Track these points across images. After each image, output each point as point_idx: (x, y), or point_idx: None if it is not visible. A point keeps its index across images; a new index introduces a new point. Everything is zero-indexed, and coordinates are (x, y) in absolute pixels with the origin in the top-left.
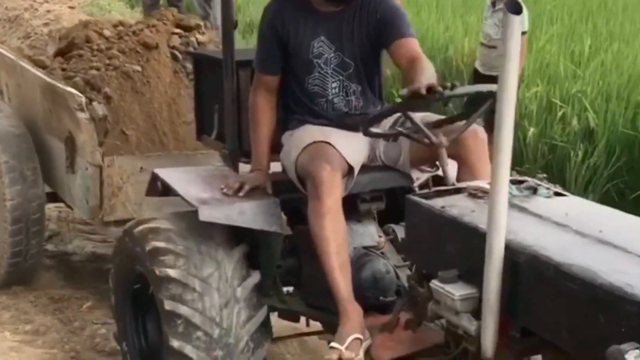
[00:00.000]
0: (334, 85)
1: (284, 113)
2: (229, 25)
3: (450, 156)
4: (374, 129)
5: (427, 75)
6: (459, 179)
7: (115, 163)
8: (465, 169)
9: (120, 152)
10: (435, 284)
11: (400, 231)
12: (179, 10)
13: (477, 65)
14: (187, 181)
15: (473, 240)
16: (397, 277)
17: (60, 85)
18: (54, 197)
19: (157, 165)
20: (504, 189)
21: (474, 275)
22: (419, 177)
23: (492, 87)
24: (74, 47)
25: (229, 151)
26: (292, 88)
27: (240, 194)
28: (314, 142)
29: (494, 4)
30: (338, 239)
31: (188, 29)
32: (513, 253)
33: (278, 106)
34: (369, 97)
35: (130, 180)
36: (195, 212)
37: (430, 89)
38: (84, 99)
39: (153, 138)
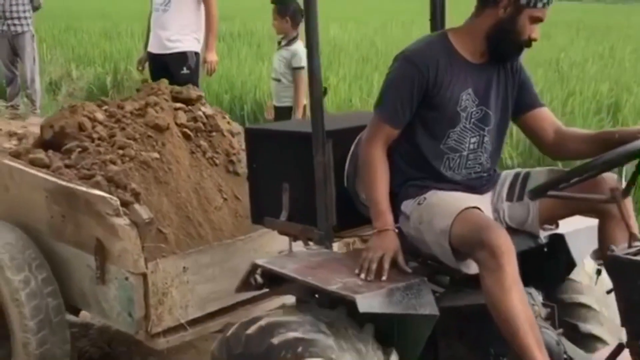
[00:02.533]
0: (472, 140)
1: (396, 177)
2: (316, 92)
3: (591, 211)
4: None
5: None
6: (608, 234)
7: (159, 267)
8: (614, 223)
9: (162, 255)
10: None
11: (535, 294)
12: None
13: (273, 99)
14: (304, 268)
15: None
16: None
17: (83, 189)
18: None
19: (200, 260)
20: None
21: None
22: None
23: None
24: (67, 137)
25: (324, 232)
26: (416, 143)
27: (384, 277)
28: (466, 208)
29: (279, 43)
30: (528, 312)
31: (189, 101)
32: None
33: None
34: (495, 158)
35: (174, 283)
36: (317, 301)
37: None
38: (119, 203)
39: (190, 232)
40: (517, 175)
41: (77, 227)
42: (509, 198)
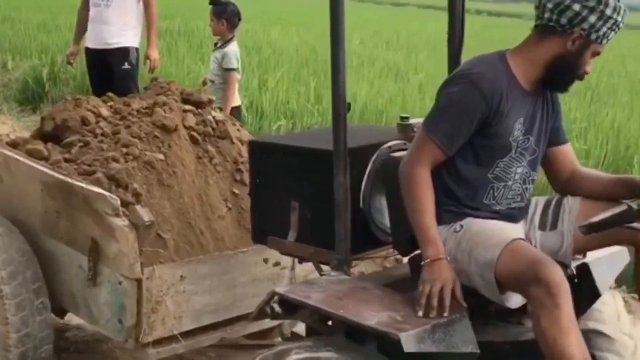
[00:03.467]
0: (518, 170)
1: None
2: (340, 108)
3: (627, 241)
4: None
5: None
6: None
7: (155, 274)
8: None
9: (160, 261)
10: None
11: None
12: None
13: None
14: (331, 299)
15: None
16: None
17: (82, 185)
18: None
19: (199, 270)
20: None
21: None
22: None
23: None
24: (68, 131)
25: (342, 257)
26: (458, 169)
27: (445, 313)
28: (514, 240)
29: (215, 44)
30: (586, 354)
31: (200, 104)
32: None
33: None
34: (532, 189)
35: (170, 292)
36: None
37: None
38: (119, 202)
39: (190, 239)
40: (548, 202)
41: (72, 224)
42: (542, 227)
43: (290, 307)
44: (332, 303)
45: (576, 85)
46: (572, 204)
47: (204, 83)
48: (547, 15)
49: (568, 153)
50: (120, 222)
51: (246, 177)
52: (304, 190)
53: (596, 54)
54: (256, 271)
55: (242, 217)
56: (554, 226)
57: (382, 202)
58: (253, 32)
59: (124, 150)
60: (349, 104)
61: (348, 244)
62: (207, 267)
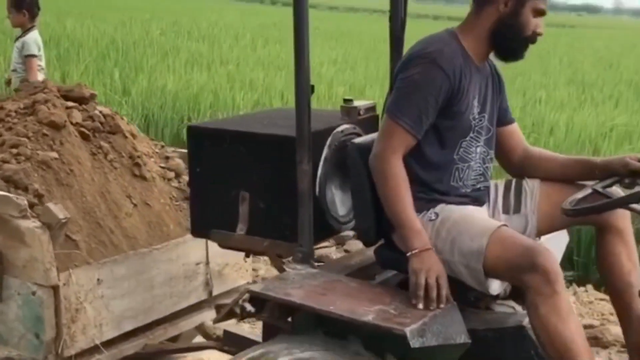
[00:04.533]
0: (477, 150)
1: None
2: (304, 91)
3: (590, 222)
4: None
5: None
6: (606, 246)
7: (72, 279)
8: (615, 237)
9: (75, 264)
10: None
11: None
12: None
13: None
14: (313, 295)
15: None
16: None
17: None
18: None
19: (115, 271)
20: None
21: None
22: None
23: None
24: None
25: (306, 249)
26: (423, 152)
27: (442, 304)
28: (499, 227)
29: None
30: (585, 341)
31: (82, 100)
32: None
33: None
34: (491, 168)
35: (88, 297)
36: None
37: None
38: (26, 202)
39: (102, 239)
40: (508, 186)
41: None
42: (505, 210)
43: (259, 306)
44: (318, 300)
45: None
46: (532, 187)
47: (8, 82)
48: None
49: (516, 132)
50: (31, 224)
51: (145, 171)
52: (256, 179)
53: (540, 12)
54: (171, 268)
55: (149, 214)
56: (517, 209)
57: (334, 190)
58: (46, 25)
59: (14, 151)
60: (313, 87)
61: (312, 235)
62: (123, 268)
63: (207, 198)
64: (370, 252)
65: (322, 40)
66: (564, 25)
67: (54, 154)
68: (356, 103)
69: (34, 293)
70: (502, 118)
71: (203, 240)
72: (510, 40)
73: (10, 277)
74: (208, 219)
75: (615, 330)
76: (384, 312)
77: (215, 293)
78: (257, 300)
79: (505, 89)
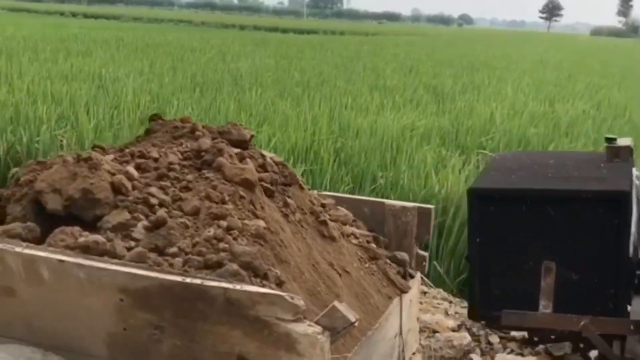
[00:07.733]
0: None
1: None
2: None
3: None
4: None
5: None
6: None
7: None
8: None
9: None
10: None
11: None
12: None
13: None
14: None
15: None
16: None
17: (227, 286)
18: None
19: None
20: None
21: None
22: None
23: None
24: (96, 205)
25: None
26: None
27: None
28: None
29: None
30: None
31: (242, 144)
32: None
33: None
34: None
35: None
36: None
37: None
38: (302, 303)
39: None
40: None
41: (191, 343)
42: None
43: None
44: None
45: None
46: None
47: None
48: None
49: None
50: (309, 329)
51: (332, 230)
52: (569, 245)
53: None
54: (385, 347)
55: (351, 284)
56: None
57: None
58: None
59: (223, 224)
60: None
61: None
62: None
63: (493, 273)
64: None
65: (128, 51)
66: (367, 34)
67: (262, 223)
68: (620, 141)
69: None
70: None
71: (398, 309)
72: None
73: None
74: (495, 299)
75: None
76: None
77: None
78: None
79: None
